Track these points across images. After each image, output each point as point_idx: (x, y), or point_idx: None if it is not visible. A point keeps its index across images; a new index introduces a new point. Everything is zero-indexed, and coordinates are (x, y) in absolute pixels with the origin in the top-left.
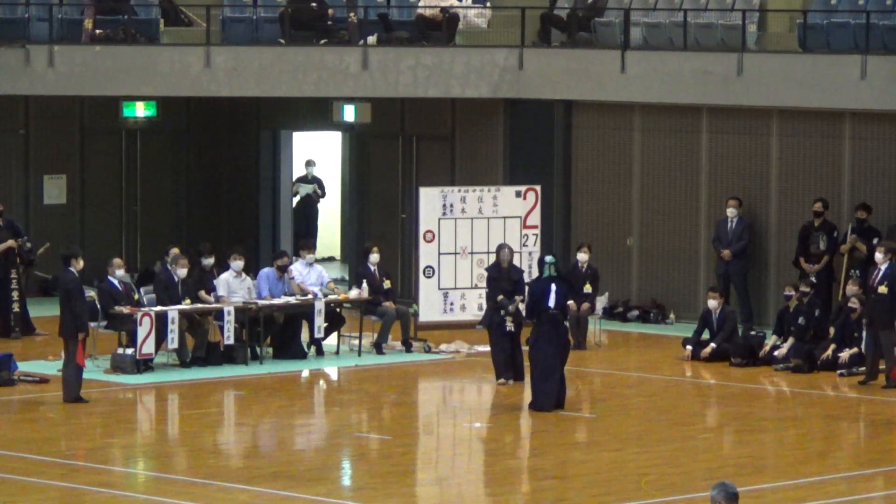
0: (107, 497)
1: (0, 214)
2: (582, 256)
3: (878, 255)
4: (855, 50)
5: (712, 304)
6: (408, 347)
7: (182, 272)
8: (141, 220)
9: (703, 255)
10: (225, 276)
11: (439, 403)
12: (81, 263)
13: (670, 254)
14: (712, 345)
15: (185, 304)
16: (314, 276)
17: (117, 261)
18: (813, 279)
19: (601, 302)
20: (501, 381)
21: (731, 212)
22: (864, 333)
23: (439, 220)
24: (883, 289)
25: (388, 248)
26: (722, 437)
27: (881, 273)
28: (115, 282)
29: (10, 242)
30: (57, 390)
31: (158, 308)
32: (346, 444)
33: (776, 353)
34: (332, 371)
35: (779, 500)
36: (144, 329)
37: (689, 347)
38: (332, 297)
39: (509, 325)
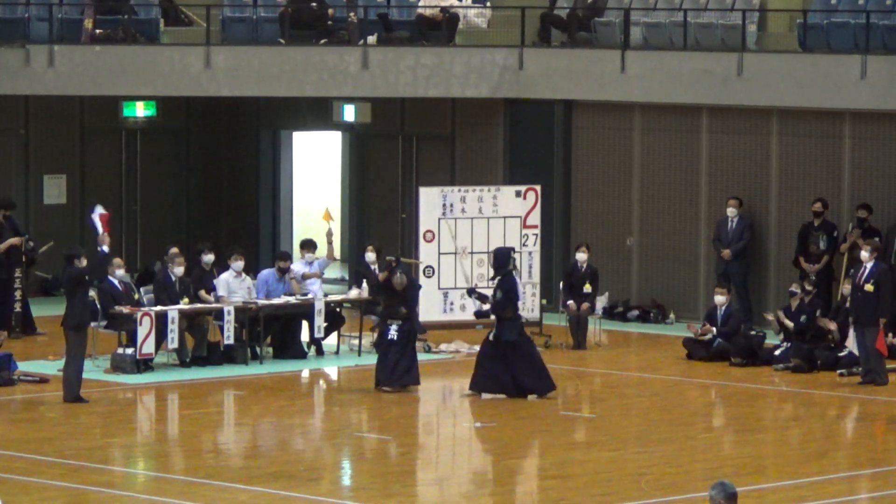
0: (107, 497)
1: (4, 215)
2: (581, 256)
3: (864, 254)
4: (855, 50)
5: (719, 299)
6: None
7: (179, 270)
8: (141, 220)
9: (703, 255)
10: (225, 276)
11: (439, 403)
12: (84, 263)
13: (670, 254)
14: (713, 330)
15: (183, 303)
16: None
17: (117, 261)
18: (813, 278)
19: (601, 302)
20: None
21: (731, 211)
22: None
23: (439, 220)
24: (869, 287)
25: (389, 248)
26: (722, 437)
27: (867, 271)
28: (115, 282)
29: (14, 240)
30: (57, 390)
31: (158, 308)
32: (346, 444)
33: (776, 352)
34: (332, 371)
35: (779, 500)
36: (144, 329)
37: (705, 325)
38: (331, 297)
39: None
